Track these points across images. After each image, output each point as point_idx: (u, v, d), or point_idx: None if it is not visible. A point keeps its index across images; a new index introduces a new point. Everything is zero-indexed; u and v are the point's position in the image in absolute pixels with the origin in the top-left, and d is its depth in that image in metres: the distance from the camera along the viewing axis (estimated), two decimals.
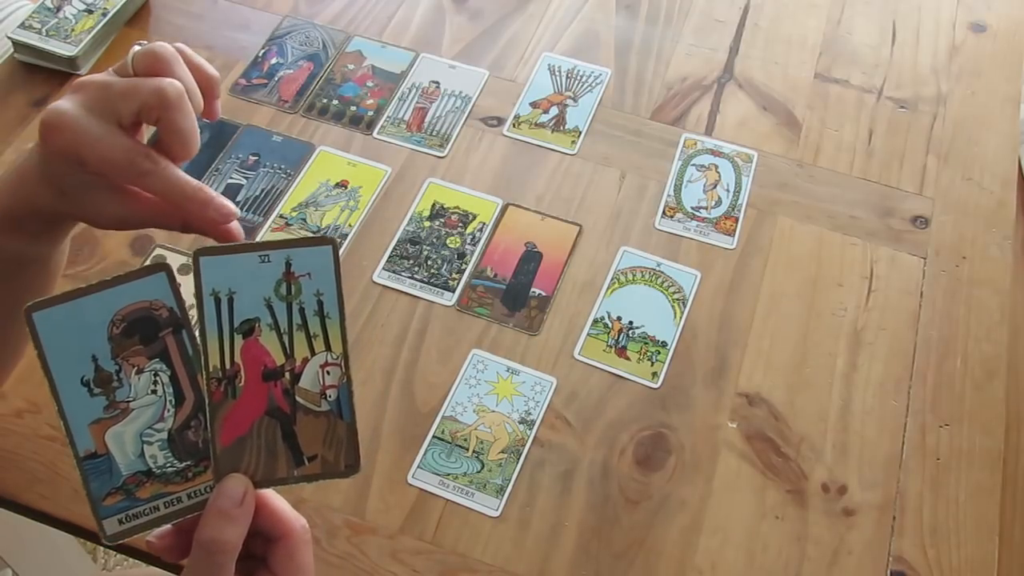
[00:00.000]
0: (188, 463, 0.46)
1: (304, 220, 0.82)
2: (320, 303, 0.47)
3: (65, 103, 0.50)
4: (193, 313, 0.46)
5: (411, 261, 0.80)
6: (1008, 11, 1.02)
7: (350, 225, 0.82)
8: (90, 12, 0.93)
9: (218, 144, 0.87)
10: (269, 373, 0.47)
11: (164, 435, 0.46)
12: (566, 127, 0.90)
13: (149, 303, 0.45)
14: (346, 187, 0.85)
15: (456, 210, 0.84)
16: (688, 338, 0.77)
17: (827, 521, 0.69)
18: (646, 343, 0.76)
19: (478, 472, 0.70)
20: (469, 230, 0.82)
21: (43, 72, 0.91)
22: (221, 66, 0.93)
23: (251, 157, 0.86)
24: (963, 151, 0.90)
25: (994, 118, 0.93)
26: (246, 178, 0.85)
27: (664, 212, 0.85)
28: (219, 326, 0.46)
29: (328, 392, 0.47)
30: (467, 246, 0.81)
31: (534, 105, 0.92)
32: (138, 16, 0.97)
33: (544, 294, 0.79)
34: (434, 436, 0.71)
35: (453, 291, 0.79)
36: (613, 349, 0.76)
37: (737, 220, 0.84)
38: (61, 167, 0.51)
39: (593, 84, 0.94)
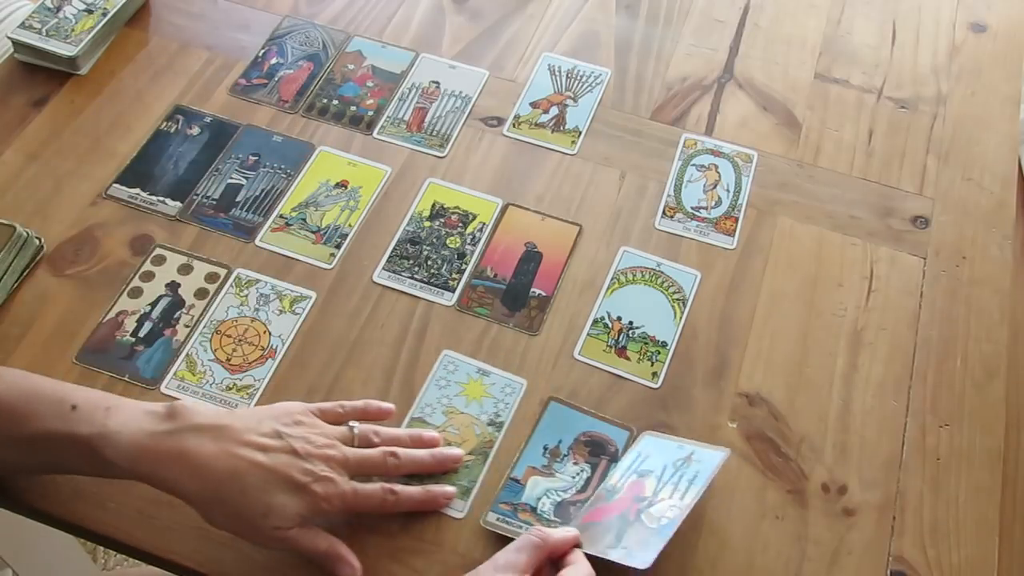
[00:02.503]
0: (557, 521, 0.67)
1: (304, 220, 0.82)
2: (695, 477, 0.66)
3: (339, 483, 0.63)
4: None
5: (411, 261, 0.80)
6: (1008, 11, 1.02)
7: (350, 225, 0.82)
8: (90, 12, 0.93)
9: (218, 144, 0.87)
10: (638, 498, 0.66)
11: (558, 499, 0.68)
12: (566, 127, 0.90)
13: (610, 440, 0.71)
14: (346, 187, 0.85)
15: (456, 210, 0.84)
16: (688, 338, 0.77)
17: (827, 521, 0.69)
18: (646, 343, 0.76)
19: (444, 474, 0.69)
20: (469, 230, 0.82)
21: (43, 72, 0.91)
22: (221, 66, 0.93)
23: (251, 157, 0.86)
24: (963, 151, 0.90)
25: (994, 118, 0.93)
26: (246, 178, 0.85)
27: (664, 212, 0.85)
28: (627, 467, 0.68)
29: (662, 520, 0.64)
30: (467, 246, 0.81)
31: (534, 105, 0.92)
32: (138, 16, 0.97)
33: (544, 294, 0.79)
34: None
35: (453, 291, 0.79)
36: (613, 349, 0.76)
37: (737, 220, 0.84)
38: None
39: (593, 84, 0.94)
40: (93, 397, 0.63)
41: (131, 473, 0.60)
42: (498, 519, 0.67)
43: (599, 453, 0.70)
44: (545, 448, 0.70)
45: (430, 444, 0.69)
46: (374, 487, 0.64)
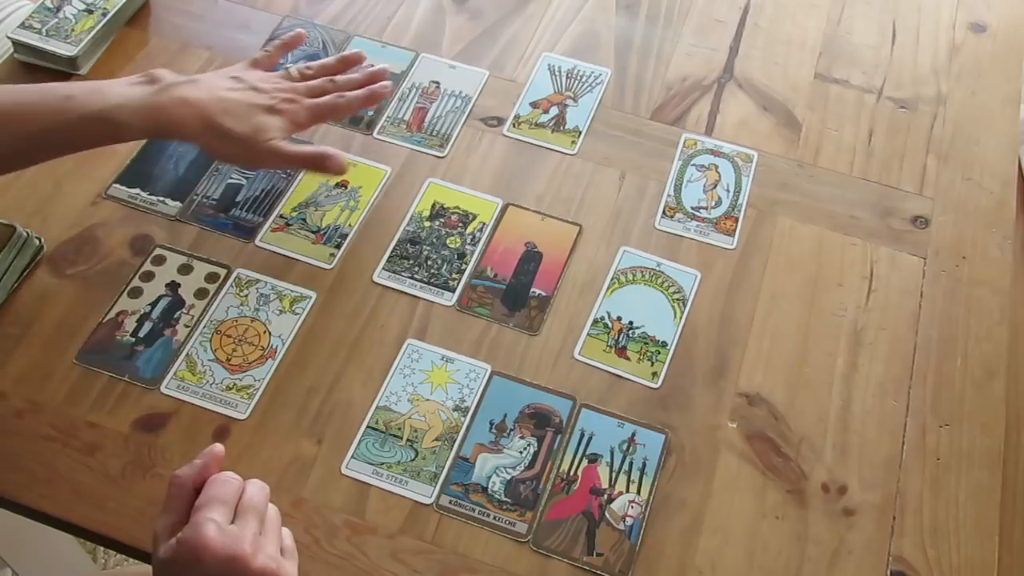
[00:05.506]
0: (508, 501, 0.68)
1: (304, 220, 0.82)
2: (644, 465, 0.70)
3: (300, 100, 0.78)
4: None
5: (411, 261, 0.80)
6: (1008, 11, 1.02)
7: (350, 225, 0.82)
8: (90, 12, 0.93)
9: None
10: (595, 490, 0.69)
11: (507, 476, 0.69)
12: (566, 127, 0.90)
13: (554, 411, 0.72)
14: (346, 187, 0.85)
15: (456, 210, 0.84)
16: (688, 338, 0.77)
17: (827, 521, 0.69)
18: (646, 343, 0.76)
19: (412, 460, 0.70)
20: (469, 230, 0.82)
21: (43, 72, 0.91)
22: (221, 66, 0.93)
23: None
24: (963, 151, 0.90)
25: (994, 118, 0.93)
26: (246, 178, 0.85)
27: (664, 212, 0.85)
28: (577, 449, 0.71)
29: (626, 519, 0.68)
30: (467, 246, 0.81)
31: (534, 105, 0.92)
32: (138, 16, 0.97)
33: (544, 294, 0.79)
34: (368, 426, 0.71)
35: (453, 291, 0.79)
36: (613, 349, 0.76)
37: (737, 220, 0.84)
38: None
39: (593, 84, 0.94)
40: (79, 86, 0.72)
41: (146, 129, 0.72)
42: (451, 502, 0.68)
43: (544, 425, 0.72)
44: (491, 423, 0.72)
45: (356, 60, 0.83)
46: (327, 96, 0.79)
